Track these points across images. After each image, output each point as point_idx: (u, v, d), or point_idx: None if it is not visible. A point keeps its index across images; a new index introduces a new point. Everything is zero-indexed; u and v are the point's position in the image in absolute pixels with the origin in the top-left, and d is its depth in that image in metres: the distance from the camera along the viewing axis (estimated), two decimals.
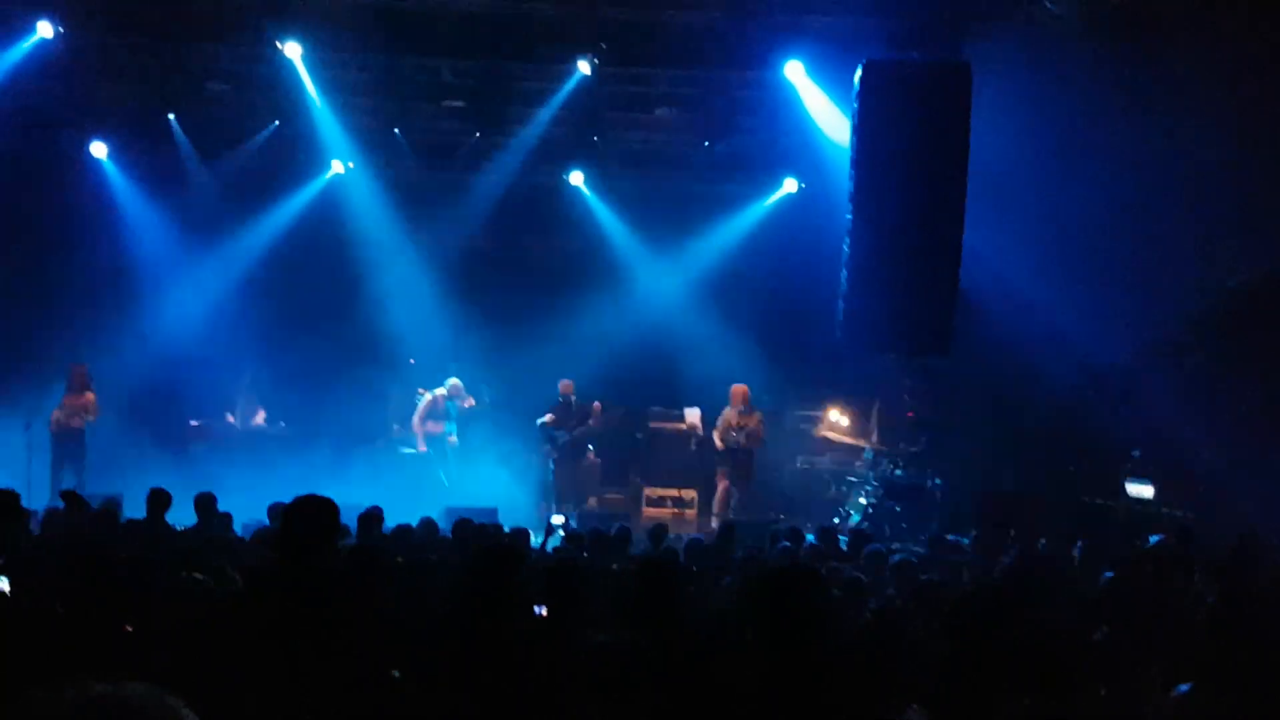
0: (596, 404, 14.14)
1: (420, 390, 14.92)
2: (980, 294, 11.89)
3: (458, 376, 14.78)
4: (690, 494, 15.00)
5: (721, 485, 14.01)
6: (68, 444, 12.99)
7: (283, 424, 15.16)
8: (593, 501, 14.43)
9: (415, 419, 14.57)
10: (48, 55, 12.68)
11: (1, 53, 12.44)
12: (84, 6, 12.43)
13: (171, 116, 14.67)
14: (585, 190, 15.77)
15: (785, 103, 13.39)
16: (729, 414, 13.95)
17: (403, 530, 8.43)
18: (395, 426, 15.19)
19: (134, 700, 1.56)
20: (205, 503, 8.87)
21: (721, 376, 14.46)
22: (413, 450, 14.53)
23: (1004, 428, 13.33)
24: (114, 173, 15.17)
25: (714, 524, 13.69)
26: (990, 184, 11.46)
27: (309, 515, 3.95)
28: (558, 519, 10.94)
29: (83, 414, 13.05)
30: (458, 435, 14.60)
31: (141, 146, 15.04)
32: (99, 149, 14.99)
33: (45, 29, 12.34)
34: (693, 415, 15.11)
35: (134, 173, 15.22)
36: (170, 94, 14.39)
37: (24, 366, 13.28)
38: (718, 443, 13.97)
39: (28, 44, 12.45)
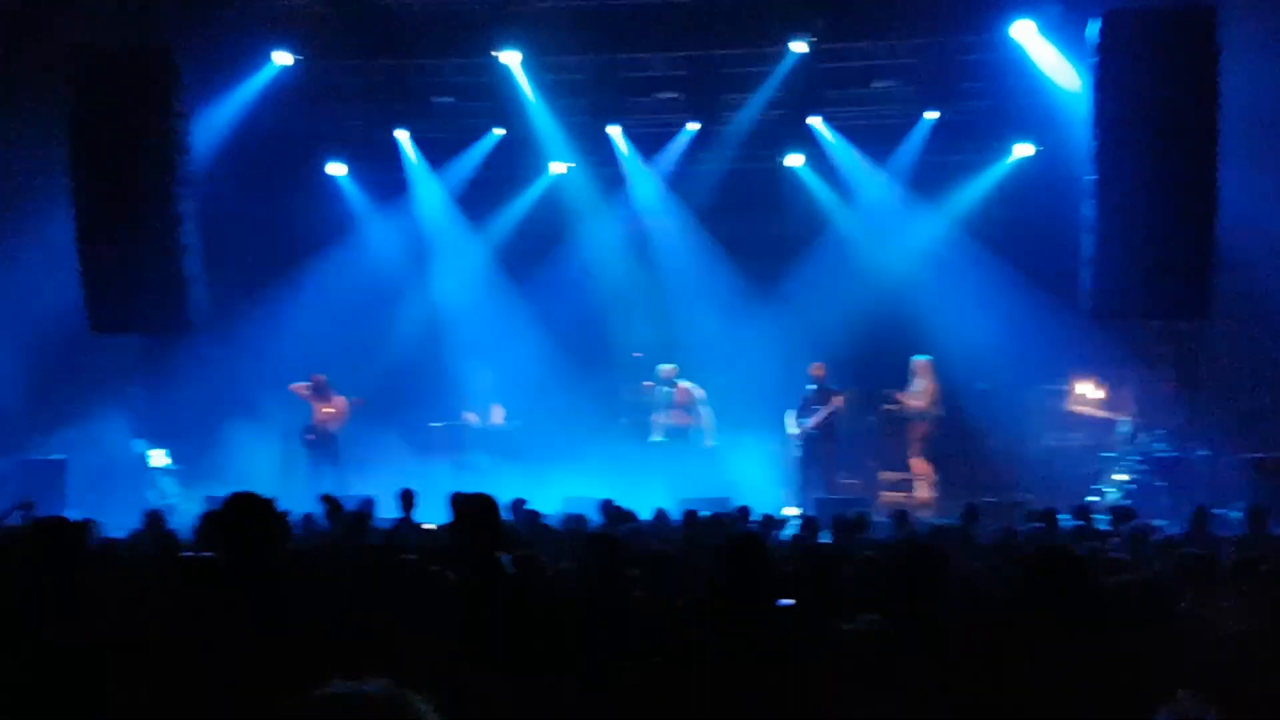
0: (839, 398, 13.72)
1: (646, 384, 15.00)
2: (1240, 248, 11.03)
3: (685, 369, 14.71)
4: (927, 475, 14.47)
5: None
6: (324, 449, 13.71)
7: (520, 421, 15.56)
8: (831, 487, 14.12)
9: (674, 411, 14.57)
10: (286, 82, 13.47)
11: (244, 83, 13.25)
12: (316, 34, 13.11)
13: (401, 132, 15.29)
14: (805, 171, 15.45)
15: (1013, 64, 12.79)
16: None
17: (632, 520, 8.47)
18: (625, 419, 15.35)
19: (374, 698, 1.59)
20: (406, 499, 9.14)
21: (957, 355, 13.93)
22: (662, 439, 14.55)
23: (1275, 390, 12.29)
24: (351, 189, 15.93)
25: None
26: (1247, 129, 10.65)
27: (245, 513, 3.90)
28: (791, 510, 10.80)
29: (337, 419, 13.74)
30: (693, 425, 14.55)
31: (375, 162, 15.74)
32: (336, 168, 15.76)
33: (283, 58, 13.12)
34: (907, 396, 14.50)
35: (369, 188, 15.95)
36: (399, 110, 15.05)
37: (273, 379, 14.07)
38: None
39: (266, 74, 13.25)
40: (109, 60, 11.45)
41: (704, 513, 9.00)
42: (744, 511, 9.31)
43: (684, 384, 14.53)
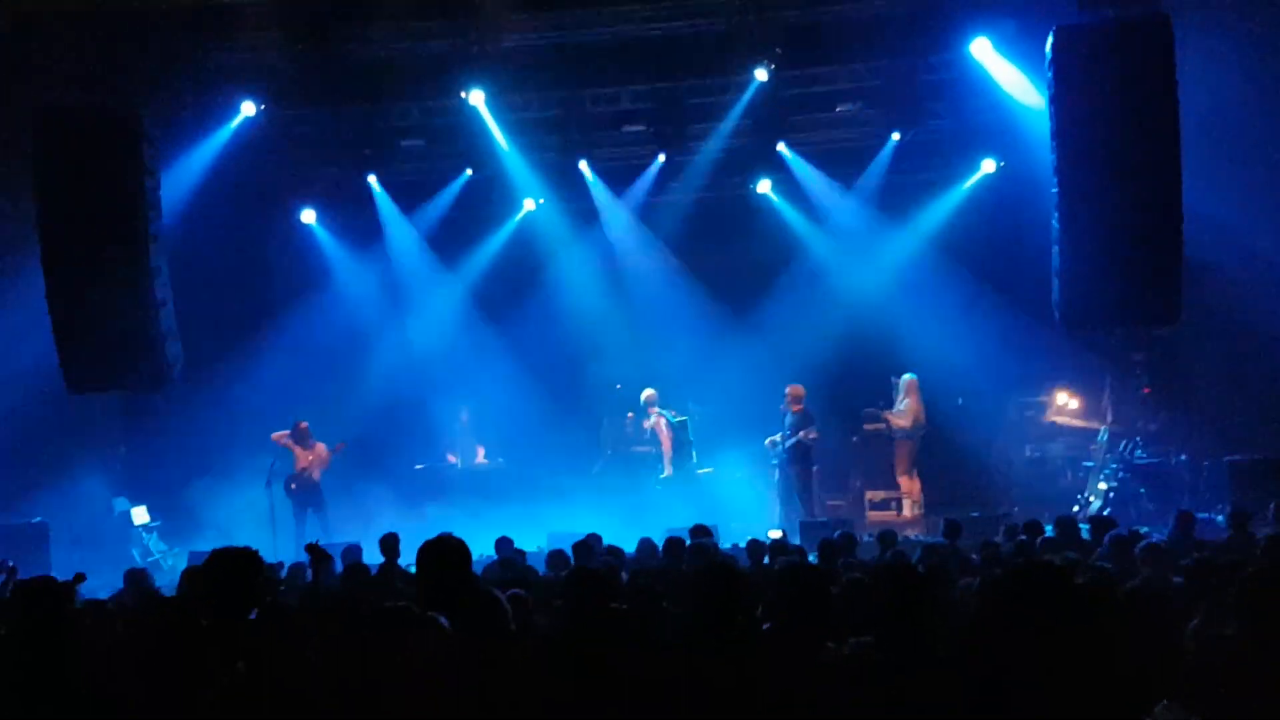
0: (811, 433, 13.66)
1: (629, 414, 15.06)
2: (1209, 254, 11.17)
3: (660, 396, 14.75)
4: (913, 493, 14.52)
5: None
6: (309, 496, 13.65)
7: (502, 460, 15.56)
8: (813, 510, 14.13)
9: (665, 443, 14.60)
10: (253, 131, 13.54)
11: (211, 134, 13.31)
12: (282, 83, 13.16)
13: (372, 177, 15.34)
14: (774, 197, 15.56)
15: (974, 81, 12.97)
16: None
17: (616, 552, 8.45)
18: (608, 452, 15.37)
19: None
20: (388, 544, 8.87)
21: (934, 371, 14.02)
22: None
23: (1250, 393, 12.41)
24: (324, 237, 15.94)
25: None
26: (1209, 138, 10.82)
27: (229, 569, 3.91)
28: (775, 533, 10.80)
29: (319, 466, 13.70)
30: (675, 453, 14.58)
31: (347, 207, 15.77)
32: (308, 215, 15.78)
33: (249, 108, 13.23)
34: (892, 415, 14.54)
35: (342, 233, 15.97)
36: (368, 155, 15.09)
37: (253, 429, 14.00)
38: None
39: (234, 123, 13.33)
40: (76, 119, 11.44)
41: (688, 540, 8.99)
42: (703, 530, 9.26)
43: (654, 415, 14.58)
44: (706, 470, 14.56)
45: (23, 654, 4.35)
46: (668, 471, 14.38)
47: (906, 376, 14.14)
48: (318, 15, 12.24)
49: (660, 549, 8.86)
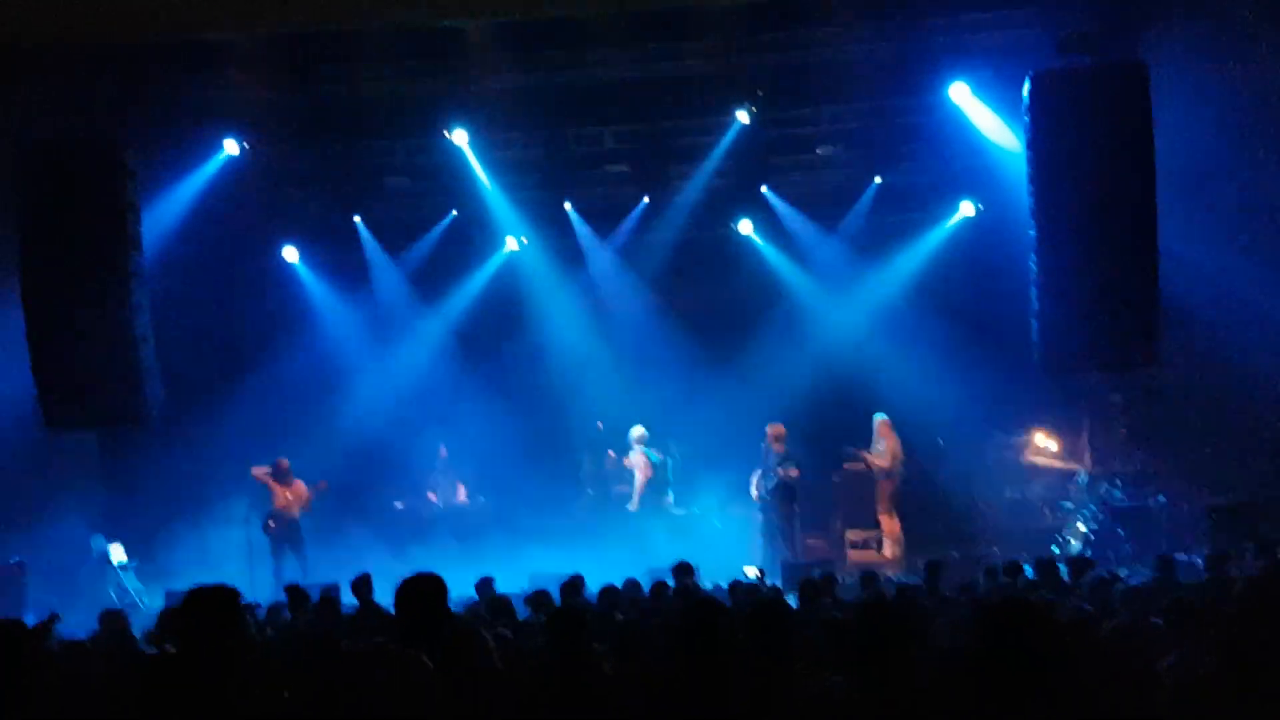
0: (791, 471, 13.66)
1: (610, 453, 15.06)
2: (1186, 297, 11.27)
3: (646, 435, 14.79)
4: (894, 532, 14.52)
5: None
6: (287, 535, 13.53)
7: (482, 498, 15.51)
8: (795, 550, 14.12)
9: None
10: (236, 170, 13.55)
11: (195, 169, 13.33)
12: (266, 121, 13.22)
13: (356, 217, 15.39)
14: (756, 238, 15.68)
15: (953, 125, 13.12)
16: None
17: (609, 591, 8.42)
18: (589, 491, 15.35)
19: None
20: (359, 586, 8.82)
21: (914, 411, 14.08)
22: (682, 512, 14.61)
23: (1227, 435, 12.49)
24: (306, 275, 15.94)
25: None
26: (1184, 182, 10.96)
27: (205, 608, 3.89)
28: (752, 571, 10.80)
29: (299, 504, 13.61)
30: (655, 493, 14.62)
31: (330, 248, 15.78)
32: (290, 253, 15.77)
33: (231, 146, 13.27)
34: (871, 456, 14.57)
35: (325, 273, 15.95)
36: (352, 194, 15.19)
37: (233, 469, 13.92)
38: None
39: (218, 159, 13.35)
40: (58, 152, 11.45)
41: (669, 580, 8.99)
42: (685, 568, 9.25)
43: (636, 449, 14.62)
44: (679, 511, 14.56)
45: None
46: (634, 506, 14.49)
47: (878, 417, 14.17)
48: (302, 54, 12.31)
49: (646, 590, 8.86)
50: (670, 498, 14.66)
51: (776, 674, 3.91)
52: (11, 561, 12.43)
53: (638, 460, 14.64)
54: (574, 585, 8.57)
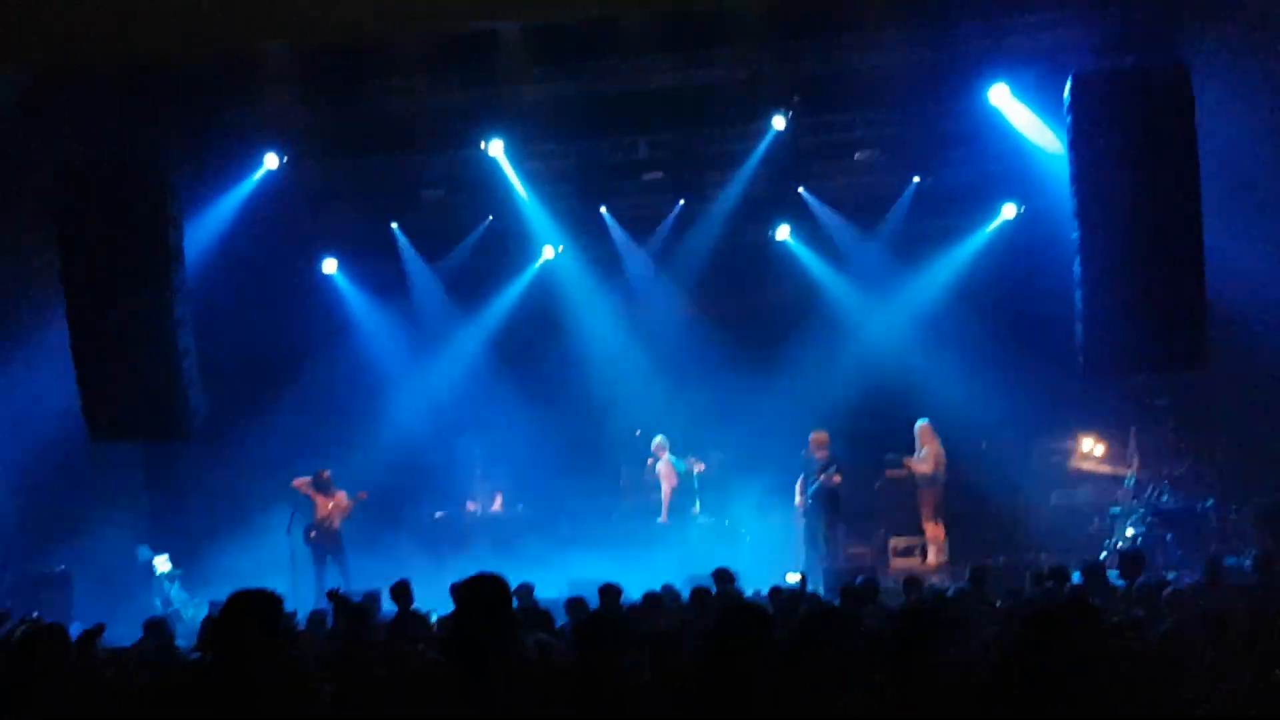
0: (834, 476, 13.54)
1: (650, 460, 15.04)
2: (1232, 297, 11.08)
3: (685, 445, 14.76)
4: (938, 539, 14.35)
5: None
6: (330, 545, 13.60)
7: (520, 506, 15.52)
8: (838, 557, 13.99)
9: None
10: (276, 184, 13.72)
11: (235, 185, 13.50)
12: (303, 135, 13.36)
13: (394, 226, 15.49)
14: (793, 243, 15.59)
15: (993, 127, 12.99)
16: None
17: (652, 598, 8.38)
18: (628, 499, 15.34)
19: None
20: (399, 592, 8.88)
21: (958, 417, 13.93)
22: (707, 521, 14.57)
23: (1275, 436, 12.25)
24: (346, 286, 16.05)
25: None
26: (1230, 183, 10.80)
27: (245, 613, 3.84)
28: (793, 577, 10.71)
29: (340, 514, 13.68)
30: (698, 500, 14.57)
31: (369, 259, 15.92)
32: (330, 265, 15.90)
33: (271, 160, 13.42)
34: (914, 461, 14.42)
35: (363, 284, 16.09)
36: (389, 206, 15.29)
37: (275, 478, 14.02)
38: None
39: (257, 176, 13.52)
40: (100, 171, 11.62)
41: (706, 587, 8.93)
42: (726, 574, 9.18)
43: (662, 457, 14.63)
44: (705, 520, 14.51)
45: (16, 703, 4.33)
46: (664, 518, 14.52)
47: (920, 423, 14.06)
48: (339, 70, 12.40)
49: (685, 597, 8.81)
50: (697, 507, 14.59)
51: (820, 684, 3.85)
52: (58, 570, 12.57)
53: (664, 470, 14.64)
54: (610, 592, 8.53)
